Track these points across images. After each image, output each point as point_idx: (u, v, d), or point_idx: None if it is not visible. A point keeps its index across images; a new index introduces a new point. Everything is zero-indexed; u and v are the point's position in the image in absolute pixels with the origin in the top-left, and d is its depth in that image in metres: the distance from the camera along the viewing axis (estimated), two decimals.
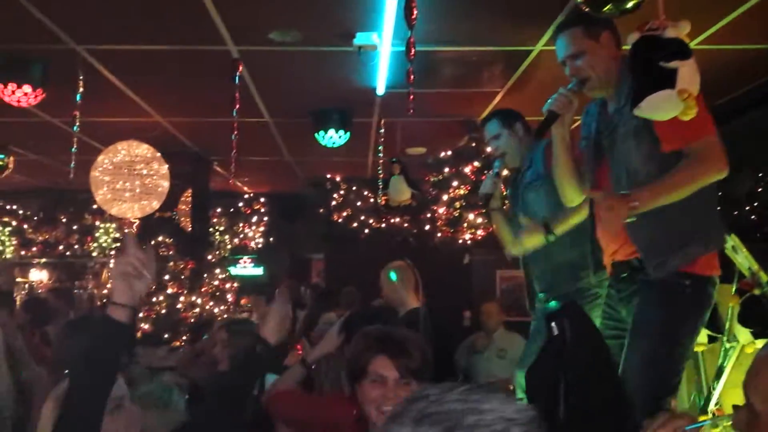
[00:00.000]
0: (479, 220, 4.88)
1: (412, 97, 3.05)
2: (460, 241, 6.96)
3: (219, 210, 9.02)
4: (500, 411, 0.80)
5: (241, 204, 9.28)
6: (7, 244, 9.73)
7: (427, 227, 7.19)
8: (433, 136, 6.05)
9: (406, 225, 7.44)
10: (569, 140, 2.48)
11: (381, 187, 5.98)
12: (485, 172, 5.26)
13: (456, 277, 7.40)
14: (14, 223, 9.72)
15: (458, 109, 5.45)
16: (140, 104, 5.30)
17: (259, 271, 9.76)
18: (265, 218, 9.39)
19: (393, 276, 3.93)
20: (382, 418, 1.80)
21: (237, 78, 4.17)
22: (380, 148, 5.60)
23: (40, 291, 9.90)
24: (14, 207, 9.75)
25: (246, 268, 9.67)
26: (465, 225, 5.00)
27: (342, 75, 4.66)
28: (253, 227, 9.37)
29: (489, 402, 0.81)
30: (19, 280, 10.17)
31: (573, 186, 2.50)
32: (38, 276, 10.31)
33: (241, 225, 9.22)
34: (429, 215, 6.90)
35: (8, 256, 9.78)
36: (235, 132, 4.49)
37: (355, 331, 2.56)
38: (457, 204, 5.06)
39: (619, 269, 2.37)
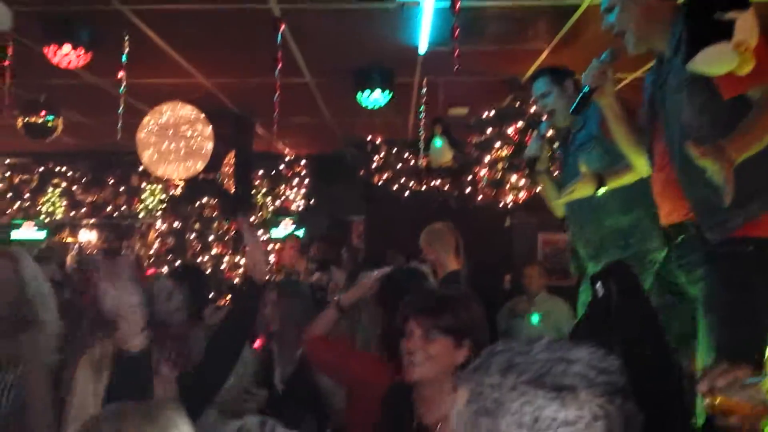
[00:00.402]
0: (522, 182, 4.80)
1: (457, 53, 2.98)
2: (501, 204, 6.90)
3: (261, 172, 9.09)
4: (587, 360, 0.82)
5: (282, 166, 9.34)
6: (57, 205, 10.03)
7: (468, 189, 7.14)
8: (476, 96, 5.95)
9: (446, 187, 7.39)
10: (619, 107, 2.40)
11: (422, 148, 5.93)
12: (529, 132, 5.17)
13: (497, 240, 7.35)
14: (64, 184, 10.00)
15: (502, 68, 5.34)
16: (184, 65, 5.33)
17: (299, 233, 9.87)
18: (306, 180, 9.44)
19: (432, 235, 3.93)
20: (411, 373, 1.86)
21: (279, 37, 4.15)
22: (422, 108, 5.53)
23: (89, 251, 10.23)
24: (63, 169, 10.02)
25: (287, 229, 9.80)
26: (507, 187, 4.93)
27: (384, 33, 4.60)
28: (294, 189, 9.43)
29: (576, 352, 0.83)
30: (69, 240, 10.51)
31: (638, 152, 2.42)
32: (87, 236, 10.63)
33: (282, 187, 9.29)
34: (470, 177, 6.83)
35: (58, 217, 10.10)
36: (278, 92, 4.48)
37: (393, 288, 2.60)
38: (500, 165, 4.98)
39: (675, 232, 2.28)
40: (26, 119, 5.55)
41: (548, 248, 8.00)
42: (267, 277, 2.18)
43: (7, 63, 4.35)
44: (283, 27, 4.15)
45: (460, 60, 4.15)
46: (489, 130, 5.27)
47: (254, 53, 5.02)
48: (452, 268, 3.88)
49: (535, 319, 4.70)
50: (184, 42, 4.86)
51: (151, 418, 1.12)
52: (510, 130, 5.12)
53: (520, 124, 5.12)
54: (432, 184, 7.50)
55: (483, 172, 5.19)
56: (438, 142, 5.78)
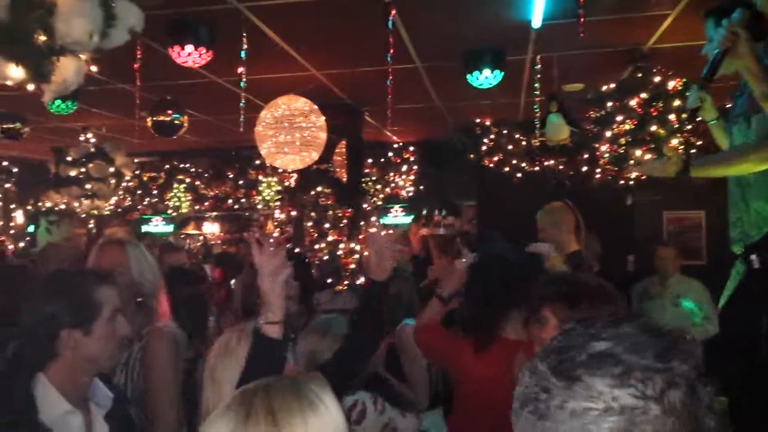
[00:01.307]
0: (647, 156, 4.54)
1: (582, 19, 2.84)
2: (622, 182, 6.57)
3: (370, 160, 9.21)
4: (625, 345, 0.78)
5: (390, 153, 9.40)
6: (183, 200, 10.66)
7: (585, 168, 6.86)
8: (592, 70, 5.69)
9: (561, 167, 7.15)
10: (758, 68, 2.21)
11: (537, 127, 5.75)
12: (652, 104, 4.88)
13: (618, 220, 7.05)
14: (188, 180, 10.62)
15: (621, 38, 5.06)
16: (297, 58, 5.47)
17: (409, 219, 9.92)
18: (415, 167, 9.46)
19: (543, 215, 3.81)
20: None
21: (390, 23, 4.15)
22: (536, 85, 5.36)
23: (212, 242, 10.82)
24: (188, 165, 10.64)
25: (397, 217, 9.88)
26: (631, 162, 4.68)
27: (494, 11, 4.48)
28: (403, 176, 9.48)
29: (612, 336, 0.79)
30: (194, 232, 11.16)
31: None
32: (210, 228, 11.24)
33: (391, 174, 9.37)
34: (587, 155, 6.57)
35: (184, 210, 10.73)
36: (390, 78, 4.49)
37: (481, 273, 2.57)
38: (622, 140, 4.73)
39: None
40: (155, 118, 5.90)
41: (674, 226, 7.58)
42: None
43: (136, 66, 4.62)
44: (393, 12, 4.14)
45: (576, 33, 3.98)
46: (609, 104, 5.01)
47: (362, 42, 5.06)
48: (573, 248, 3.74)
49: (688, 304, 4.46)
50: (297, 36, 4.97)
51: (299, 393, 1.14)
52: (633, 103, 4.84)
53: (643, 95, 4.83)
54: (545, 164, 7.28)
55: (604, 148, 4.95)
56: (554, 119, 5.59)
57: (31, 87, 2.50)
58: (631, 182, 6.14)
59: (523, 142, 7.22)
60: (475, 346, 2.35)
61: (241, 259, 5.43)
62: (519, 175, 7.38)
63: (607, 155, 5.05)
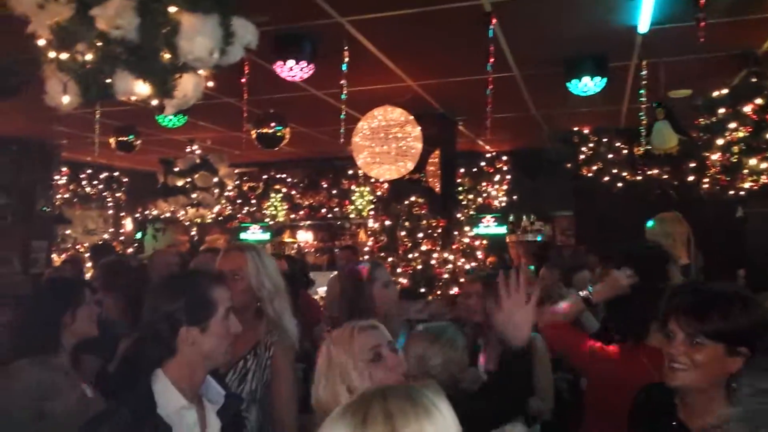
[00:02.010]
0: (763, 165, 4.27)
1: (703, 23, 2.71)
2: (731, 192, 6.22)
3: (462, 170, 9.17)
4: None
5: (483, 163, 9.33)
6: (279, 209, 11.01)
7: (691, 177, 6.54)
8: (701, 75, 5.42)
9: (665, 176, 6.85)
10: None
11: (643, 134, 5.54)
12: None
13: (727, 233, 6.68)
14: (284, 190, 10.95)
15: (733, 41, 4.80)
16: (394, 70, 5.54)
17: (502, 230, 9.79)
18: (508, 176, 9.34)
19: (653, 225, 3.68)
20: (671, 378, 1.72)
21: (491, 32, 4.13)
22: (642, 92, 5.17)
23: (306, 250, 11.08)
24: (284, 176, 10.98)
25: (489, 227, 9.78)
26: (745, 172, 4.41)
27: (597, 16, 4.37)
28: (496, 186, 9.38)
29: None
30: (289, 240, 11.48)
31: None
32: (304, 237, 11.53)
33: (483, 184, 9.29)
34: (694, 164, 6.26)
35: (280, 219, 11.07)
36: (490, 87, 4.46)
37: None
38: (735, 149, 4.47)
39: None
40: (259, 131, 6.13)
41: None
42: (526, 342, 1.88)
43: (243, 80, 4.82)
44: (494, 21, 4.12)
45: (684, 37, 3.82)
46: (720, 111, 4.75)
47: (460, 52, 5.06)
48: (683, 262, 3.59)
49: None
50: (396, 47, 5.04)
51: (414, 400, 1.14)
52: (747, 109, 4.57)
53: (758, 101, 4.56)
54: (648, 174, 7.00)
55: (715, 156, 4.69)
56: (661, 127, 5.36)
57: (154, 102, 2.66)
58: (742, 192, 5.79)
59: (624, 151, 6.97)
60: (621, 351, 2.36)
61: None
62: (619, 184, 7.12)
63: (718, 164, 4.79)
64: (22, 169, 8.51)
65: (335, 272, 6.92)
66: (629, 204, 6.75)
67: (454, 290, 6.29)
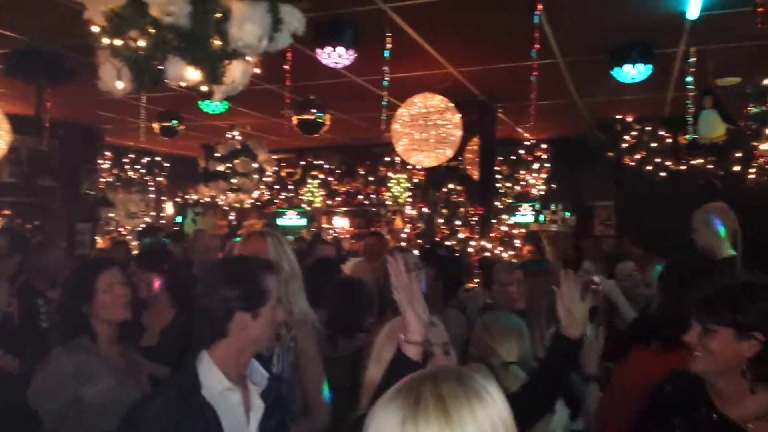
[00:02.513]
0: None
1: (761, 8, 2.64)
2: None
3: (500, 157, 9.09)
4: None
5: (522, 151, 9.23)
6: (317, 195, 11.08)
7: (738, 167, 6.38)
8: (751, 62, 5.27)
9: (710, 166, 6.70)
10: None
11: (689, 123, 5.41)
12: None
13: None
14: (321, 176, 11.02)
15: None
16: (435, 56, 5.51)
17: (539, 219, 9.70)
18: (547, 165, 9.22)
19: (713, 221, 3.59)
20: (692, 365, 1.83)
21: (536, 17, 4.07)
22: (689, 79, 5.05)
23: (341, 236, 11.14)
24: (321, 162, 11.04)
25: (525, 216, 9.68)
26: None
27: (647, 2, 4.28)
28: (534, 174, 9.28)
29: None
30: (325, 226, 11.56)
31: None
32: (340, 223, 11.60)
33: (522, 172, 9.19)
34: (741, 153, 6.10)
35: (317, 205, 11.15)
36: (535, 73, 4.41)
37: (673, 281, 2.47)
38: None
39: None
40: (300, 117, 6.18)
41: None
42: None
43: (286, 67, 4.85)
44: (540, 7, 4.06)
45: (736, 24, 3.70)
46: None
47: (501, 38, 5.01)
48: (726, 254, 3.52)
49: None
50: (438, 34, 5.01)
51: (465, 384, 1.14)
52: None
53: None
54: (692, 163, 6.84)
55: (764, 146, 4.57)
56: (709, 115, 5.23)
57: (203, 88, 2.70)
58: None
59: (669, 140, 6.82)
60: (663, 346, 2.38)
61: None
62: (663, 174, 6.98)
63: (766, 154, 4.67)
64: (68, 153, 8.73)
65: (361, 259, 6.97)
66: (672, 194, 6.61)
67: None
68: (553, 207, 9.45)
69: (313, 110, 6.18)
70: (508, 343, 2.36)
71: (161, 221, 11.49)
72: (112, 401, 2.28)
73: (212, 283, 1.91)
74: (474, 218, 6.86)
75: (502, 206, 7.79)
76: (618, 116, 7.51)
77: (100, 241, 9.44)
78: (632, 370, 2.50)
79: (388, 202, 10.44)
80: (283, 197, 11.33)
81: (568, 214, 6.04)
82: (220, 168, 8.13)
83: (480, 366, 1.37)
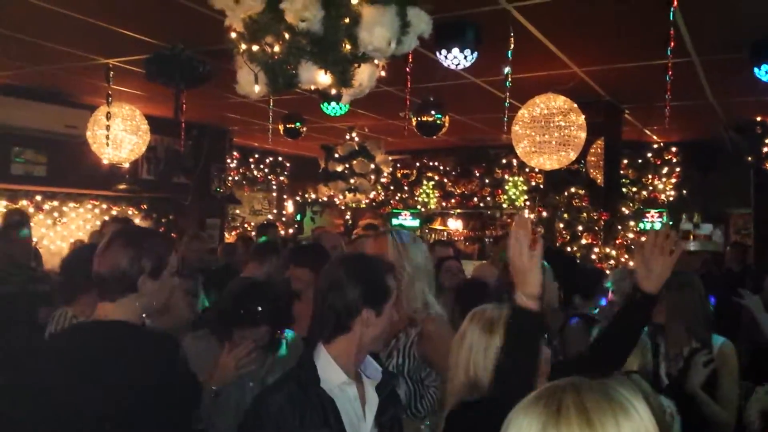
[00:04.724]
0: None
1: None
2: None
3: (626, 161, 8.70)
4: None
5: (649, 154, 8.78)
6: (431, 196, 11.11)
7: None
8: None
9: None
10: None
11: None
12: None
13: None
14: (436, 177, 11.03)
15: None
16: (559, 56, 5.35)
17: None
18: (677, 169, 8.71)
19: None
20: None
21: (672, 14, 3.85)
22: None
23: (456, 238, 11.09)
24: (436, 163, 11.06)
25: (654, 223, 9.19)
26: None
27: None
28: (663, 179, 8.79)
29: None
30: (439, 227, 11.56)
31: None
32: (454, 225, 11.56)
33: (650, 177, 8.74)
34: None
35: (432, 206, 11.18)
36: (669, 73, 4.17)
37: None
38: None
39: None
40: (419, 119, 6.22)
41: None
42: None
43: (407, 69, 4.89)
44: (676, 3, 3.84)
45: None
46: None
47: (630, 36, 4.78)
48: None
49: None
50: (562, 33, 4.87)
51: (610, 396, 1.10)
52: None
53: None
54: None
55: None
56: None
57: (333, 91, 2.79)
58: None
59: None
60: None
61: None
62: None
63: None
64: (200, 153, 9.30)
65: (484, 261, 6.89)
66: None
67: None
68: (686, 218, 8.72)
69: (433, 112, 6.19)
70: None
71: (282, 218, 11.97)
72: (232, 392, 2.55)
73: (338, 280, 1.96)
74: (598, 224, 6.60)
75: (628, 212, 7.43)
76: (758, 118, 6.96)
77: (228, 237, 10.00)
78: None
79: (504, 205, 10.28)
80: (398, 198, 11.45)
81: (711, 227, 4.96)
82: (339, 168, 8.37)
83: (624, 378, 1.31)
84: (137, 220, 8.29)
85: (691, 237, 5.29)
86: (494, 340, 1.96)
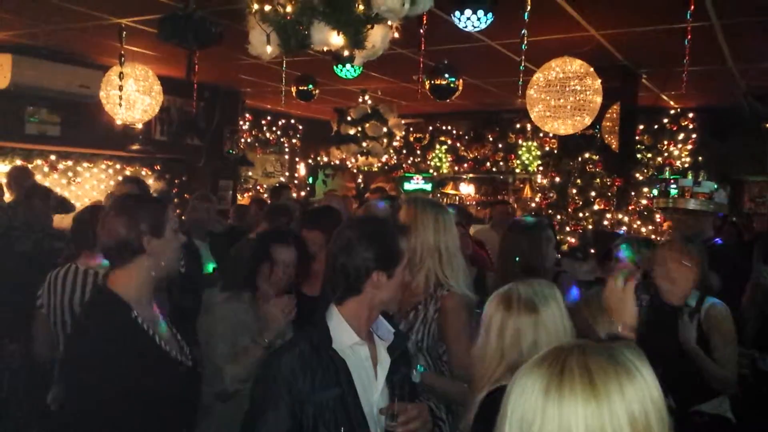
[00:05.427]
0: None
1: None
2: None
3: (641, 127, 8.58)
4: None
5: (666, 120, 8.65)
6: (444, 161, 11.06)
7: None
8: None
9: None
10: None
11: None
12: None
13: None
14: (449, 142, 10.96)
15: None
16: (577, 18, 5.25)
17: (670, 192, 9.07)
18: (693, 135, 8.59)
19: None
20: None
21: None
22: None
23: (468, 203, 11.07)
24: (449, 127, 10.97)
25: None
26: None
27: None
28: (679, 145, 8.68)
29: None
30: (451, 192, 11.53)
31: None
32: (467, 190, 11.52)
33: (665, 143, 8.63)
34: None
35: (444, 171, 11.13)
36: (688, 36, 4.09)
37: None
38: None
39: None
40: (433, 82, 6.16)
41: None
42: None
43: (422, 31, 4.81)
44: None
45: None
46: None
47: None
48: None
49: None
50: None
51: (614, 358, 1.10)
52: None
53: None
54: None
55: None
56: None
57: (346, 53, 2.76)
58: None
59: None
60: None
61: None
62: None
63: None
64: (212, 115, 9.29)
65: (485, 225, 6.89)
66: None
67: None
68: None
69: (446, 75, 6.11)
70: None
71: (295, 181, 11.99)
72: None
73: (349, 242, 1.97)
74: (611, 190, 6.55)
75: (642, 178, 7.36)
76: None
77: (240, 199, 10.04)
78: None
79: (517, 170, 10.21)
80: (411, 162, 11.41)
81: (715, 186, 4.72)
82: (351, 131, 8.33)
83: (631, 342, 1.31)
84: (150, 181, 8.33)
85: (687, 194, 4.84)
86: (530, 318, 1.95)
